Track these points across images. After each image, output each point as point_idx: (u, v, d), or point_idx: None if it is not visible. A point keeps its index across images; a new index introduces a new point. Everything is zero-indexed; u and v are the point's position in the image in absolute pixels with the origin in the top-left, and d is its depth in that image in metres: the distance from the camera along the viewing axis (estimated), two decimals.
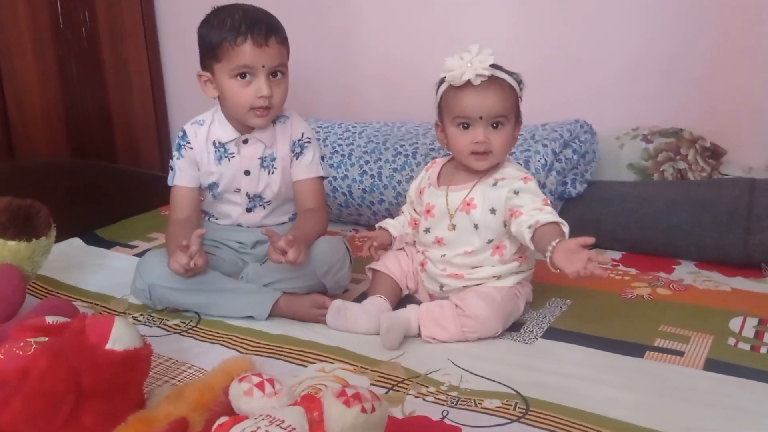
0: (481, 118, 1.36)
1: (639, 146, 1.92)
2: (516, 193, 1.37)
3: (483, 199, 1.40)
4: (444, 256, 1.44)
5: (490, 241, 1.41)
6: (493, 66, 1.36)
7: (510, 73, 1.40)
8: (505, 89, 1.38)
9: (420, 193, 1.52)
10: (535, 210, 1.32)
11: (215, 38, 1.46)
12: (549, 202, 1.37)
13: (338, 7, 2.32)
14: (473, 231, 1.41)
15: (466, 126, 1.38)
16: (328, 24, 2.33)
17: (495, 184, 1.41)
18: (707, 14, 1.89)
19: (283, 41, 1.50)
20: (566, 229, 1.30)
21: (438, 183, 1.48)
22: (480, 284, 1.42)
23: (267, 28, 1.47)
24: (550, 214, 1.31)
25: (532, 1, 2.09)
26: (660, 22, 1.95)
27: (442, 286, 1.45)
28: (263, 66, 1.46)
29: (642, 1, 1.96)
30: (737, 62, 1.89)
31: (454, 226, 1.43)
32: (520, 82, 1.42)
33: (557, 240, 1.25)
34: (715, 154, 1.89)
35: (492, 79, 1.36)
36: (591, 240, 1.23)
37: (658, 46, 1.96)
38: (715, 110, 1.93)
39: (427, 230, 1.47)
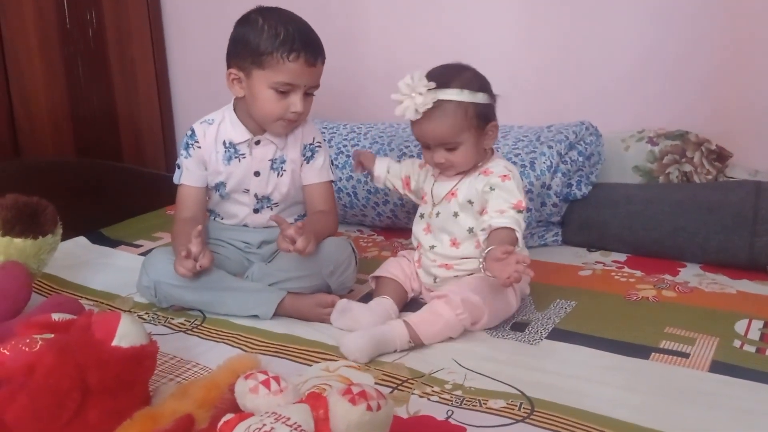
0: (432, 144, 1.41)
1: (644, 148, 1.92)
2: (492, 188, 1.38)
3: (465, 191, 1.43)
4: (433, 247, 1.47)
5: (470, 230, 1.43)
6: (442, 83, 1.34)
7: (465, 84, 1.36)
8: (448, 113, 1.36)
9: (421, 167, 1.56)
10: (496, 212, 1.35)
11: (265, 46, 1.43)
12: (522, 204, 1.37)
13: (344, 8, 2.33)
14: (454, 219, 1.43)
15: (427, 146, 1.43)
16: (334, 25, 2.32)
17: (478, 176, 1.42)
18: (713, 17, 1.89)
19: (324, 61, 1.50)
20: (519, 234, 1.32)
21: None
22: (470, 275, 1.42)
23: (317, 48, 1.47)
24: (506, 218, 1.32)
25: (538, 3, 2.09)
26: (666, 24, 1.95)
27: (435, 278, 1.47)
28: (304, 85, 1.47)
29: (648, 3, 1.96)
30: (743, 65, 1.89)
31: (438, 214, 1.46)
32: (481, 87, 1.38)
33: (488, 249, 1.29)
34: (720, 156, 1.88)
35: (435, 105, 1.35)
36: (511, 248, 1.26)
37: (664, 49, 1.96)
38: (721, 113, 1.93)
39: (421, 216, 1.51)
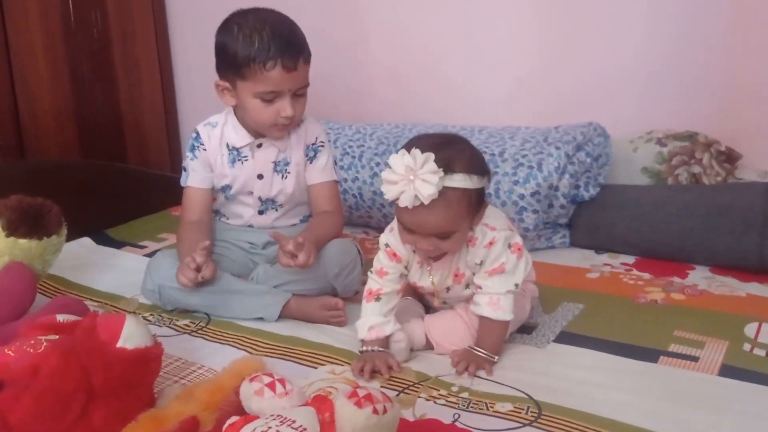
0: (422, 233, 1.22)
1: (653, 150, 1.91)
2: (481, 263, 1.28)
3: (465, 268, 1.31)
4: (445, 304, 1.40)
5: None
6: (447, 166, 1.15)
7: (469, 168, 1.18)
8: (452, 203, 1.18)
9: (394, 255, 1.33)
10: (489, 303, 1.27)
11: (242, 56, 1.41)
12: (504, 267, 1.26)
13: (349, 8, 2.32)
14: (465, 290, 1.34)
15: (412, 230, 1.23)
16: (340, 25, 2.32)
17: (468, 249, 1.29)
18: (722, 18, 1.88)
19: (308, 59, 1.47)
20: (502, 315, 1.27)
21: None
22: None
23: (296, 51, 1.43)
24: (500, 312, 1.26)
25: (545, 3, 2.08)
26: (675, 25, 1.94)
27: (442, 305, 1.42)
28: (289, 90, 1.45)
29: (657, 4, 1.95)
30: (753, 66, 1.87)
31: (448, 289, 1.35)
32: (482, 172, 1.22)
33: (475, 347, 1.27)
34: (730, 158, 1.87)
35: (440, 193, 1.15)
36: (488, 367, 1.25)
37: (673, 50, 1.95)
38: (731, 114, 1.91)
39: (436, 302, 1.39)
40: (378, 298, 1.31)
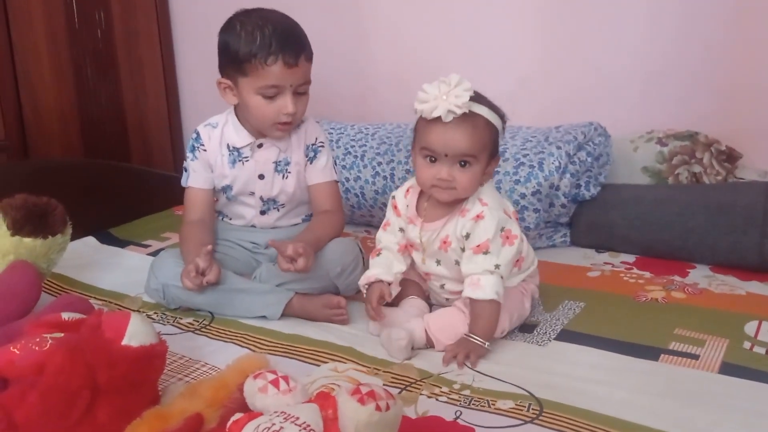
0: (446, 155, 1.28)
1: (653, 149, 1.91)
2: (467, 236, 1.32)
3: (453, 238, 1.35)
4: (443, 286, 1.42)
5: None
6: (474, 98, 1.26)
7: (492, 107, 1.30)
8: (478, 127, 1.28)
9: (395, 207, 1.44)
10: (472, 283, 1.29)
11: (243, 52, 1.43)
12: (488, 246, 1.30)
13: (352, 8, 2.33)
14: (456, 266, 1.36)
15: (432, 159, 1.30)
16: (342, 26, 2.33)
17: (458, 219, 1.34)
18: (722, 18, 1.88)
19: (310, 56, 1.48)
20: (482, 294, 1.28)
21: (417, 213, 1.40)
22: None
23: (298, 47, 1.44)
24: (482, 291, 1.28)
25: (546, 4, 2.08)
26: (675, 25, 1.94)
27: (447, 299, 1.44)
28: (291, 85, 1.45)
29: (657, 4, 1.96)
30: (753, 66, 1.88)
31: (438, 262, 1.39)
32: (502, 116, 1.33)
33: (469, 334, 1.30)
34: (730, 157, 1.87)
35: (466, 116, 1.25)
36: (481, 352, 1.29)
37: (673, 50, 1.95)
38: (731, 114, 1.92)
39: (423, 261, 1.42)
40: (379, 254, 1.44)
